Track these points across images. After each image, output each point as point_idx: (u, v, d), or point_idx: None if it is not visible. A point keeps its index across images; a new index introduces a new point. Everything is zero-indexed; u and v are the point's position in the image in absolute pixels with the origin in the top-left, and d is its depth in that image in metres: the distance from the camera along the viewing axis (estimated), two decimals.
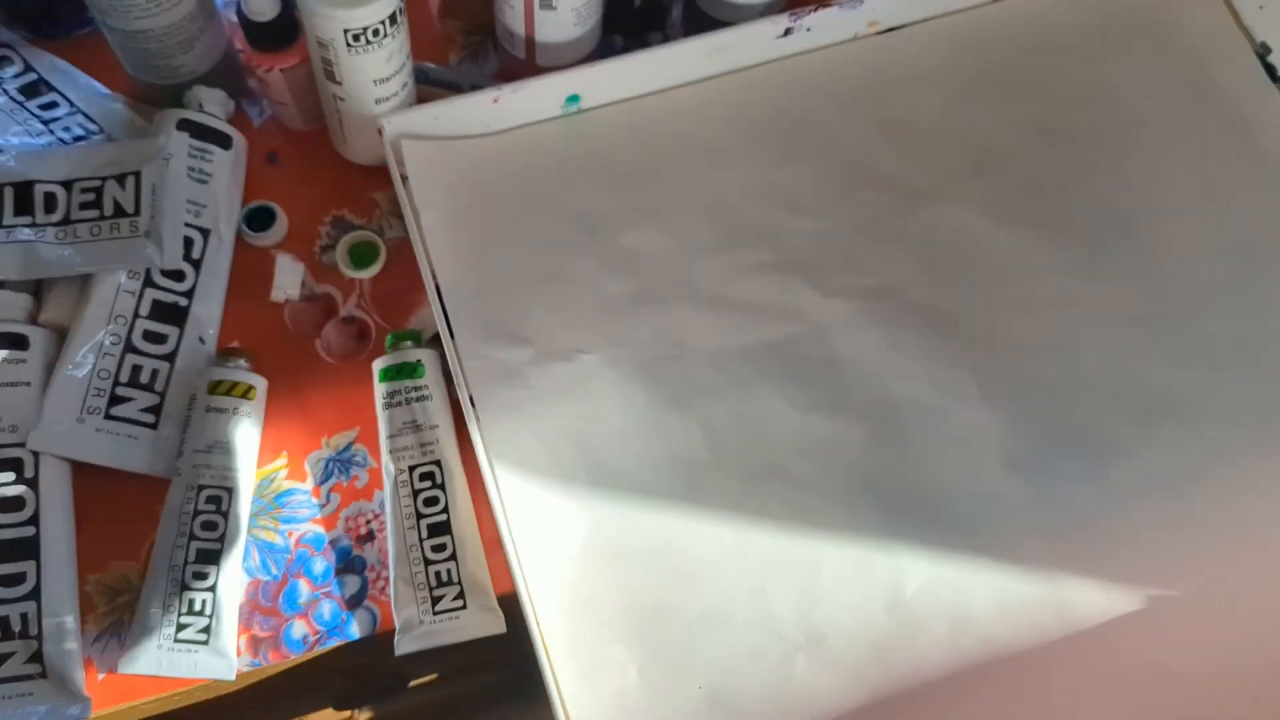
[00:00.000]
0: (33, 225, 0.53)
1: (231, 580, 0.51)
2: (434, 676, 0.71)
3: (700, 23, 0.65)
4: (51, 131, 0.58)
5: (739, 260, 0.59)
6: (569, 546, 0.52)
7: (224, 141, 0.57)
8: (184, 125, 0.56)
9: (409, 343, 0.55)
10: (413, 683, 0.70)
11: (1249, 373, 0.57)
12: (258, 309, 0.57)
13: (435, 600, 0.51)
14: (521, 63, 0.62)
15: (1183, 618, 0.53)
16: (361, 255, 0.59)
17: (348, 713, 0.73)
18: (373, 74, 0.55)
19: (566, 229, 0.59)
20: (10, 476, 0.50)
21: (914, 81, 0.64)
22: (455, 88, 0.62)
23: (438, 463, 0.53)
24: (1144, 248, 0.60)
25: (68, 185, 0.54)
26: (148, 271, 0.54)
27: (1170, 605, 0.53)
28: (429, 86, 0.62)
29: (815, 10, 0.61)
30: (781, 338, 0.57)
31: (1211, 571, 0.53)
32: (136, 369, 0.53)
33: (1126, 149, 0.63)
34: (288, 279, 0.57)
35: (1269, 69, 0.64)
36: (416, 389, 0.54)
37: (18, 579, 0.49)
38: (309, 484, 0.54)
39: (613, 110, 0.62)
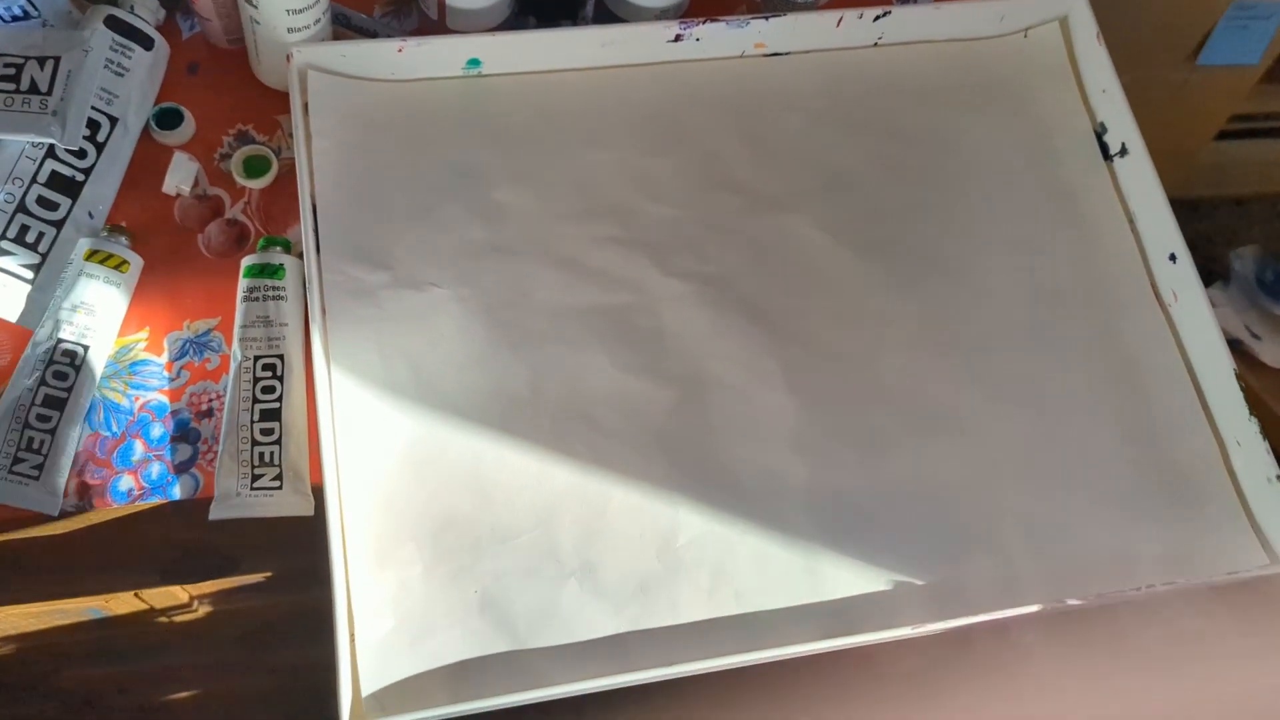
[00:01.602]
0: None
1: (71, 428, 0.56)
2: (269, 574, 0.76)
3: (607, 19, 0.71)
4: None
5: (594, 231, 0.65)
6: (386, 451, 0.58)
7: (146, 43, 0.63)
8: (111, 22, 0.62)
9: (279, 248, 0.61)
10: (249, 578, 0.75)
11: (1022, 409, 0.64)
12: (150, 198, 0.63)
13: (255, 477, 0.56)
14: (434, 24, 0.68)
15: (924, 604, 0.59)
16: (255, 166, 0.64)
17: (185, 595, 0.78)
18: (287, 4, 0.61)
19: (445, 176, 0.65)
20: None
21: (786, 103, 0.71)
22: (370, 35, 0.68)
23: (280, 356, 0.58)
24: (957, 283, 0.67)
25: None
26: (51, 145, 0.60)
27: (909, 592, 0.59)
28: (347, 29, 0.68)
29: (705, 23, 0.68)
30: (617, 304, 0.63)
31: (944, 572, 0.59)
32: (25, 228, 0.58)
33: (962, 194, 0.70)
34: (182, 174, 0.62)
35: (1103, 146, 0.72)
36: (274, 288, 0.59)
37: None
38: (164, 358, 0.60)
39: (508, 79, 0.68)
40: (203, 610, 0.83)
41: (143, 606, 0.79)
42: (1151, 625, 0.79)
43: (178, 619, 0.84)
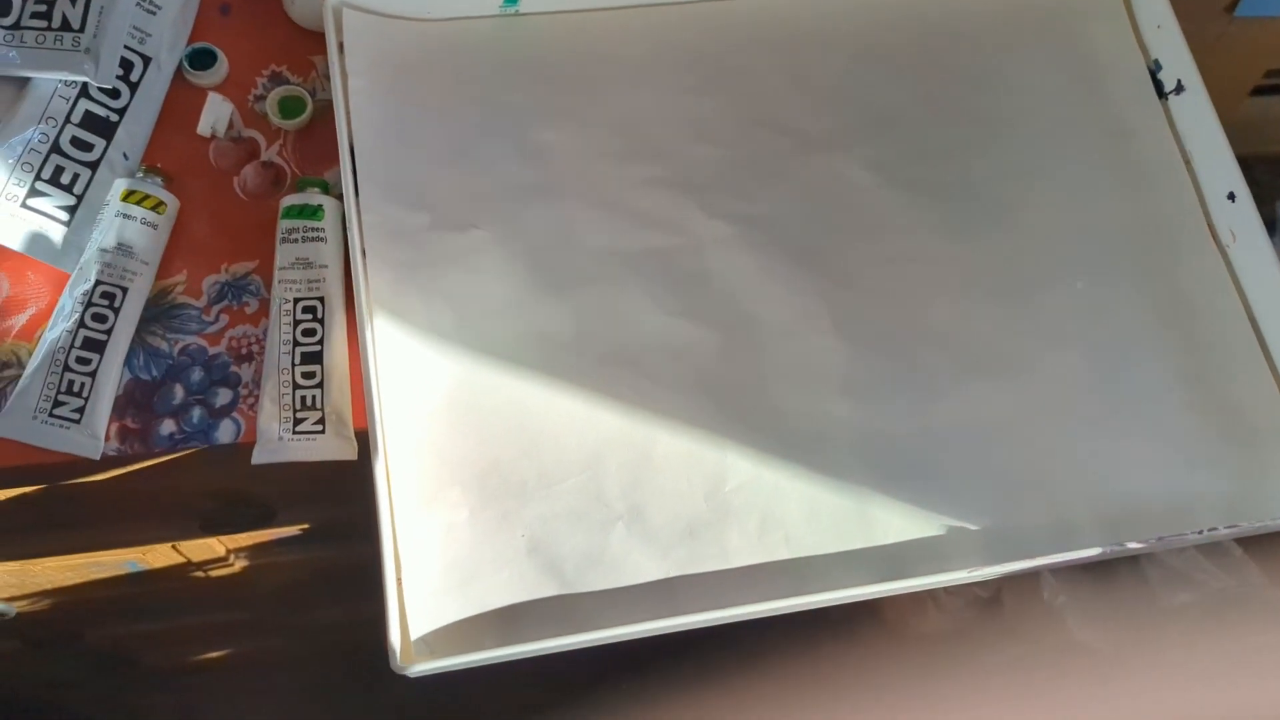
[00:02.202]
0: None
1: (111, 371, 0.55)
2: (306, 525, 0.76)
3: None
4: None
5: (637, 172, 0.64)
6: (429, 394, 0.57)
7: None
8: None
9: (316, 189, 0.59)
10: (284, 529, 0.75)
11: (1076, 351, 0.62)
12: (185, 140, 0.62)
13: (297, 421, 0.56)
14: None
15: (978, 549, 0.58)
16: (290, 107, 0.63)
17: (222, 549, 0.78)
18: None
19: (483, 116, 0.64)
20: None
21: (831, 41, 0.69)
22: None
23: (321, 299, 0.57)
24: (1007, 223, 0.65)
25: None
26: (85, 84, 0.58)
27: (962, 537, 0.58)
28: None
29: None
30: (662, 246, 0.62)
31: (998, 517, 0.58)
32: (59, 169, 0.57)
33: (1012, 133, 0.68)
34: (217, 115, 0.61)
35: (1157, 84, 0.69)
36: (313, 229, 0.58)
37: None
38: (202, 302, 0.59)
39: (548, 19, 0.67)
40: (239, 565, 0.83)
41: (180, 560, 0.78)
42: (1183, 588, 0.78)
43: (213, 573, 0.83)
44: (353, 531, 0.79)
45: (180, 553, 0.77)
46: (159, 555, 0.77)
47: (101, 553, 0.73)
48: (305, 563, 0.86)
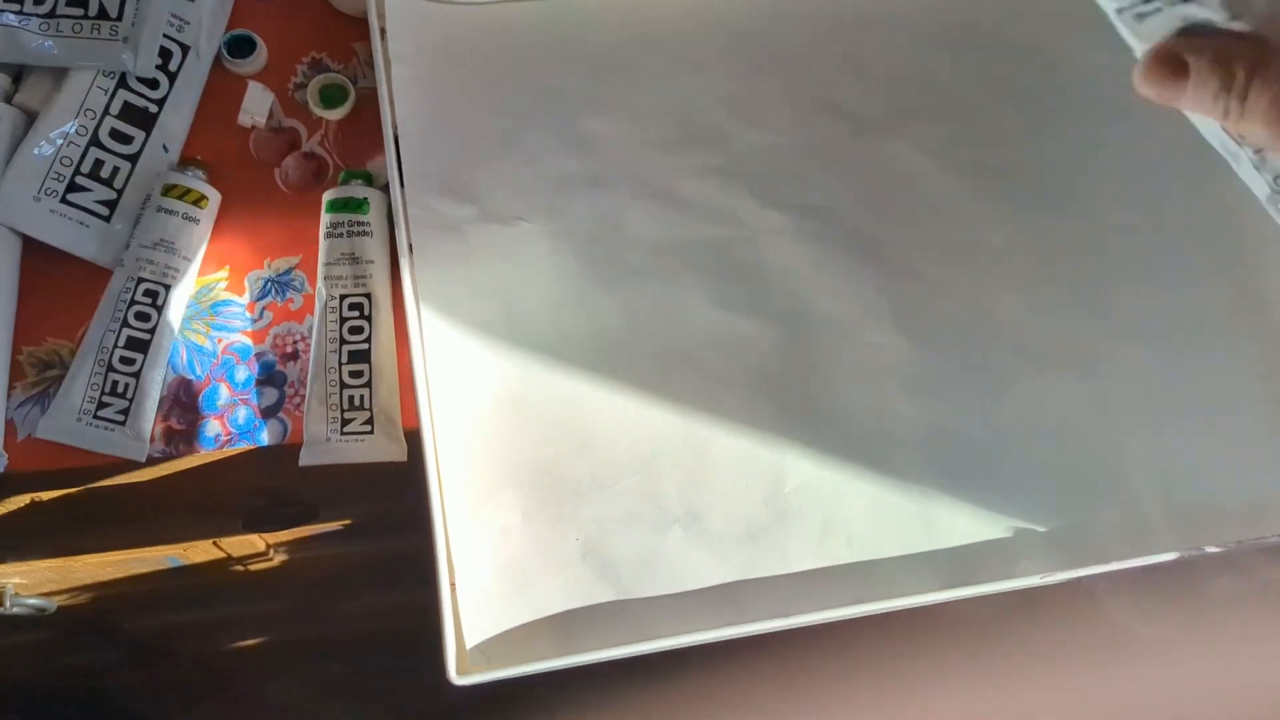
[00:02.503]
0: (19, 13, 0.56)
1: (156, 371, 0.54)
2: (348, 521, 0.75)
3: None
4: None
5: (690, 160, 0.62)
6: (480, 393, 0.55)
7: None
8: None
9: (360, 181, 0.58)
10: (327, 525, 0.73)
11: (1148, 345, 0.60)
12: (225, 131, 0.60)
13: (345, 421, 0.54)
14: None
15: (1047, 551, 0.56)
16: (331, 96, 0.61)
17: (263, 544, 0.77)
18: None
19: (530, 102, 0.61)
20: None
21: (889, 21, 0.66)
22: None
23: (368, 295, 0.56)
24: (1075, 212, 0.63)
25: None
26: (123, 74, 0.57)
27: (1031, 539, 0.56)
28: None
29: None
30: (716, 238, 0.60)
31: (1067, 518, 0.56)
32: (99, 163, 0.56)
33: (1078, 117, 0.65)
34: (257, 105, 0.59)
35: None
36: (359, 223, 0.56)
37: None
38: (245, 299, 0.57)
39: (596, 1, 0.64)
40: (278, 559, 0.82)
41: (220, 555, 0.77)
42: (1229, 575, 0.76)
43: (253, 567, 0.82)
44: (395, 525, 0.78)
45: (220, 548, 0.76)
46: (199, 551, 0.76)
47: (143, 550, 0.72)
48: (345, 556, 0.85)
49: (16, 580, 0.76)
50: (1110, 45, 0.67)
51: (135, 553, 0.73)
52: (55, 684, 1.15)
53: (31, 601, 0.77)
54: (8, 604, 0.75)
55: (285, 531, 0.75)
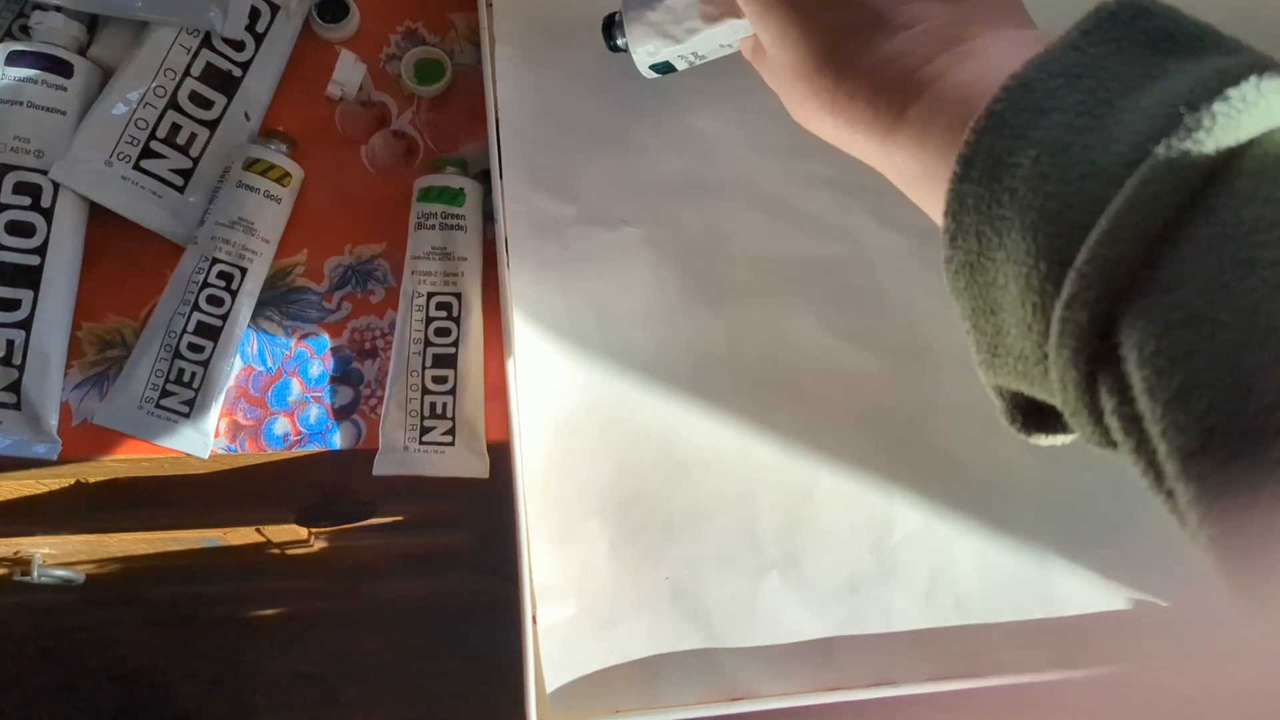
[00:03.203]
0: None
1: (225, 361, 0.49)
2: (400, 518, 0.71)
3: None
4: None
5: (805, 169, 0.57)
6: (570, 410, 0.51)
7: None
8: None
9: (455, 169, 0.53)
10: (377, 520, 0.70)
11: None
12: (310, 102, 0.55)
13: (425, 430, 0.50)
14: None
15: (1167, 627, 0.52)
16: (427, 72, 0.56)
17: (305, 533, 0.73)
18: None
19: (639, 95, 0.57)
20: (26, 201, 0.48)
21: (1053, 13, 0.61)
22: None
23: (458, 295, 0.51)
24: None
25: None
26: (208, 33, 0.52)
27: (1155, 613, 0.52)
28: None
29: None
30: (829, 257, 0.55)
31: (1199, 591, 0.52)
32: (176, 128, 0.51)
33: None
34: (348, 76, 0.54)
35: None
36: (453, 216, 0.52)
37: (13, 304, 0.48)
38: (323, 287, 0.53)
39: None
40: (318, 546, 0.78)
41: (260, 540, 0.74)
42: None
43: (290, 552, 0.79)
44: (448, 521, 0.75)
45: (262, 534, 0.72)
46: (240, 534, 0.72)
47: (184, 531, 0.69)
48: (388, 546, 0.82)
49: (46, 550, 0.72)
50: None
51: (175, 534, 0.69)
52: (70, 640, 1.12)
53: (60, 573, 0.73)
54: (35, 574, 0.71)
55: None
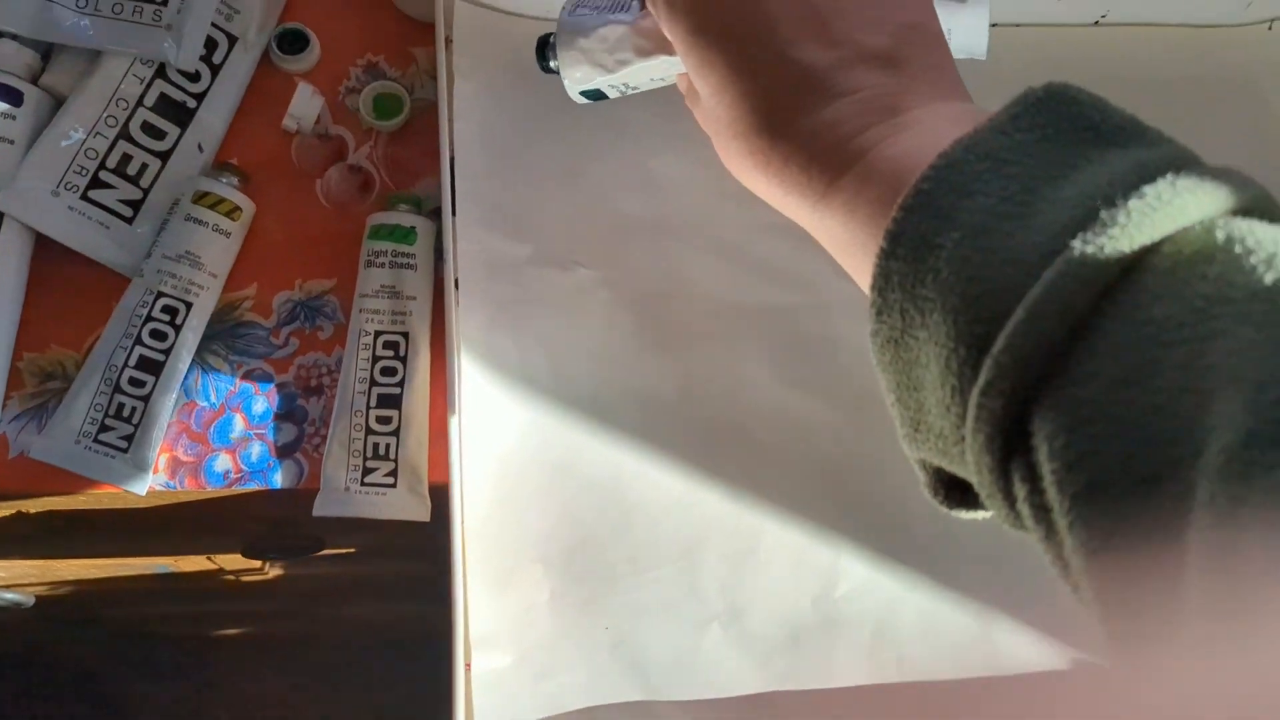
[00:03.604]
0: None
1: (167, 396, 0.49)
2: (351, 549, 0.70)
3: None
4: None
5: (763, 215, 0.56)
6: (517, 454, 0.50)
7: None
8: None
9: (408, 206, 0.53)
10: (329, 550, 0.69)
11: None
12: (266, 133, 0.55)
13: (367, 470, 0.49)
14: None
15: (1106, 684, 0.51)
16: (385, 107, 0.56)
17: (259, 562, 0.72)
18: None
19: (598, 135, 0.56)
20: None
21: (989, 79, 0.61)
22: None
23: (405, 334, 0.51)
24: None
25: None
26: (162, 63, 0.52)
27: (1097, 673, 0.51)
28: None
29: None
30: (786, 304, 0.55)
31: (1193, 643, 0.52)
32: (126, 158, 0.51)
33: None
34: (304, 109, 0.54)
35: None
36: (403, 255, 0.51)
37: None
38: (271, 322, 0.52)
39: None
40: (273, 573, 0.77)
41: (212, 567, 0.73)
42: None
43: (245, 579, 0.78)
44: (403, 551, 0.74)
45: (213, 561, 0.72)
46: (191, 562, 0.72)
47: (133, 559, 0.68)
48: (343, 573, 0.81)
49: None
50: (1218, 126, 0.63)
51: (124, 561, 0.69)
52: (28, 657, 1.11)
53: (8, 596, 0.72)
54: None
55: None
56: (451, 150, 0.53)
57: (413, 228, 0.52)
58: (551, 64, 0.48)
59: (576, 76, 0.47)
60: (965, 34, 0.49)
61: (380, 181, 0.56)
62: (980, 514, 0.32)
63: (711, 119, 0.38)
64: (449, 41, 0.55)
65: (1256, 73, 0.64)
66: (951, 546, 0.52)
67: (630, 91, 0.48)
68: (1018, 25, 0.62)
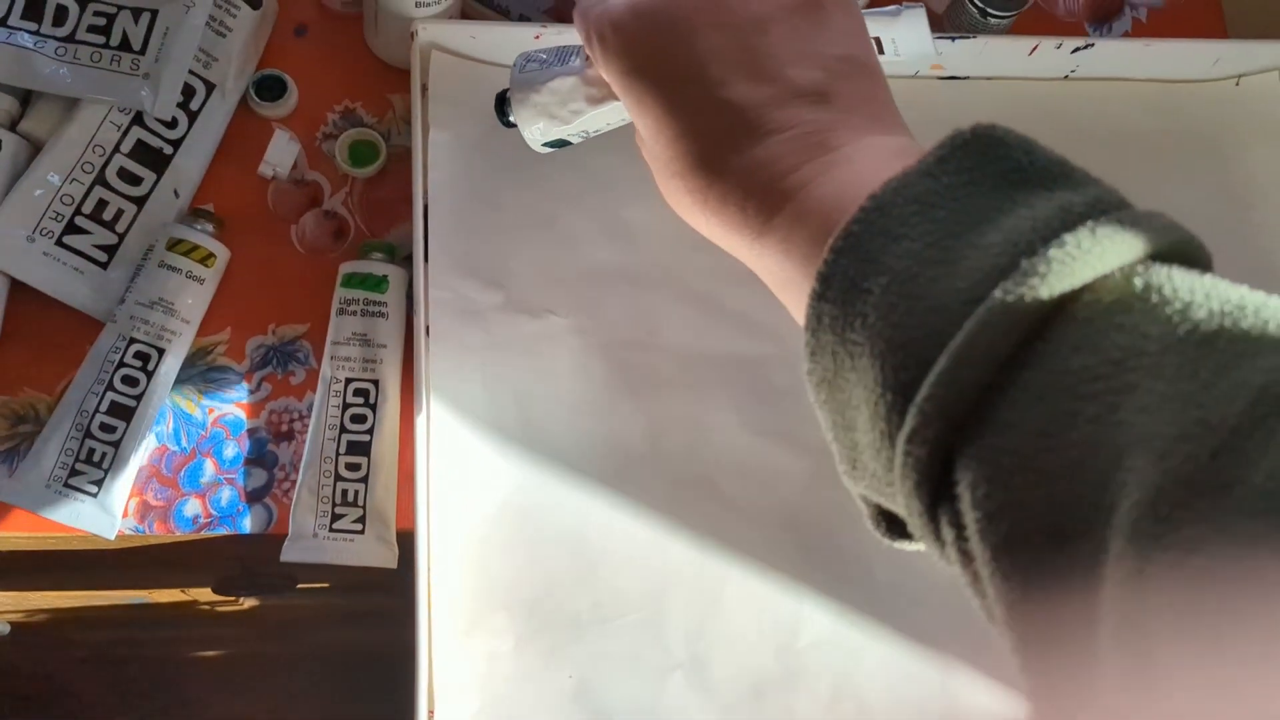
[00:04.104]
0: (36, 34, 0.51)
1: (137, 441, 0.49)
2: (325, 585, 0.71)
3: None
4: None
5: (734, 266, 0.56)
6: (483, 502, 0.51)
7: (254, 0, 0.55)
8: None
9: (381, 255, 0.53)
10: (301, 585, 0.69)
11: None
12: (242, 179, 0.56)
13: (335, 517, 0.50)
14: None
15: None
16: (361, 153, 0.57)
17: (230, 597, 0.73)
18: None
19: (571, 184, 0.57)
20: None
21: None
22: (504, 13, 0.60)
23: (375, 382, 0.51)
24: None
25: (82, 3, 0.52)
26: (139, 112, 0.52)
27: None
28: (478, 4, 0.60)
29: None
30: (754, 355, 0.56)
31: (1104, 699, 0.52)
32: (102, 203, 0.52)
33: None
34: (281, 155, 0.55)
35: None
36: (375, 303, 0.52)
37: None
38: (244, 367, 0.53)
39: None
40: (248, 604, 0.78)
41: (186, 599, 0.73)
42: None
43: (220, 609, 0.78)
44: (377, 585, 0.74)
45: (187, 594, 0.72)
46: (165, 594, 0.72)
47: (106, 592, 0.68)
48: (319, 605, 0.81)
49: None
50: (1186, 180, 0.63)
51: (98, 594, 0.69)
52: (2, 680, 1.11)
53: None
54: None
55: None
56: (426, 198, 0.54)
57: (385, 276, 0.52)
58: (510, 119, 0.48)
59: (535, 129, 0.47)
60: (909, 44, 0.49)
61: (355, 227, 0.56)
62: (921, 547, 0.32)
63: (651, 157, 0.39)
64: (424, 89, 0.56)
65: (1222, 127, 0.65)
66: (913, 597, 0.53)
67: (592, 135, 0.49)
68: (990, 79, 0.63)
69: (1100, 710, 0.24)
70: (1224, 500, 0.21)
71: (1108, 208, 0.27)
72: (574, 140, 0.49)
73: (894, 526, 0.33)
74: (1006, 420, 0.25)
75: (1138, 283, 0.25)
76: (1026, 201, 0.28)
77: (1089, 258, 0.25)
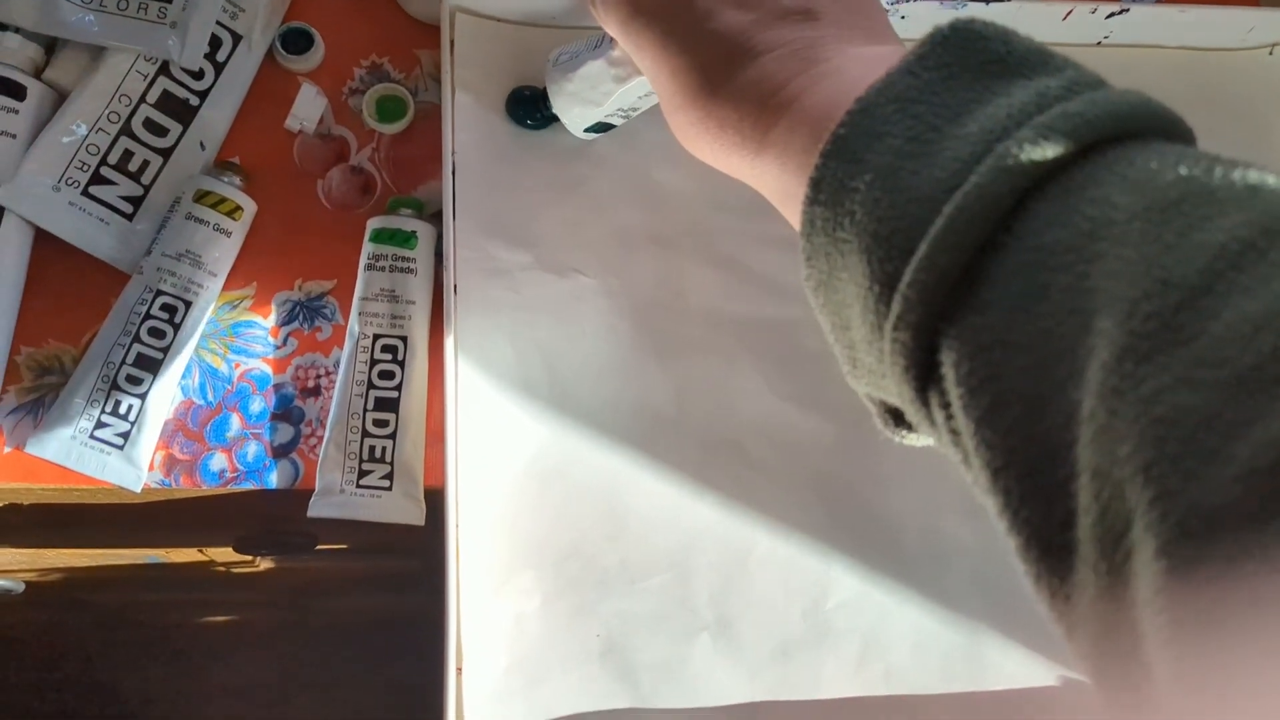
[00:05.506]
0: None
1: (164, 394, 0.49)
2: (344, 545, 0.70)
3: None
4: None
5: (763, 229, 0.57)
6: (512, 460, 0.51)
7: None
8: None
9: (409, 211, 0.53)
10: (321, 546, 0.69)
11: None
12: (268, 133, 0.55)
13: (362, 473, 0.50)
14: None
15: (1092, 703, 0.52)
16: (389, 109, 0.56)
17: (250, 556, 0.72)
18: None
19: (600, 145, 0.57)
20: None
21: None
22: None
23: (404, 339, 0.51)
24: None
25: None
26: (166, 60, 0.52)
27: (1083, 692, 0.52)
28: None
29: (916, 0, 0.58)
30: (781, 319, 0.55)
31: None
32: (128, 154, 0.51)
33: None
34: (308, 109, 0.54)
35: None
36: (403, 259, 0.51)
37: None
38: (270, 321, 0.52)
39: None
40: (264, 566, 0.77)
41: (203, 559, 0.73)
42: None
43: (236, 570, 0.78)
44: (396, 547, 0.74)
45: (204, 554, 0.72)
46: (182, 554, 0.72)
47: (124, 550, 0.68)
48: (335, 568, 0.81)
49: None
50: (1218, 149, 0.63)
51: (115, 551, 0.69)
52: (18, 640, 1.11)
53: (1, 584, 0.72)
54: None
55: None
56: (454, 158, 0.53)
57: (414, 232, 0.52)
58: (549, 113, 0.51)
59: (574, 116, 0.50)
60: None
61: (382, 183, 0.56)
62: (927, 440, 0.32)
63: (660, 101, 0.40)
64: (454, 44, 0.55)
65: (1256, 96, 0.64)
66: (941, 560, 0.52)
67: (633, 114, 0.50)
68: None
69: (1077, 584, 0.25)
70: (1185, 353, 0.22)
71: (1083, 89, 0.27)
72: (615, 123, 0.51)
73: (901, 422, 0.33)
74: (985, 299, 0.26)
75: (1111, 155, 0.26)
76: (1005, 90, 0.28)
77: (1061, 137, 0.26)
